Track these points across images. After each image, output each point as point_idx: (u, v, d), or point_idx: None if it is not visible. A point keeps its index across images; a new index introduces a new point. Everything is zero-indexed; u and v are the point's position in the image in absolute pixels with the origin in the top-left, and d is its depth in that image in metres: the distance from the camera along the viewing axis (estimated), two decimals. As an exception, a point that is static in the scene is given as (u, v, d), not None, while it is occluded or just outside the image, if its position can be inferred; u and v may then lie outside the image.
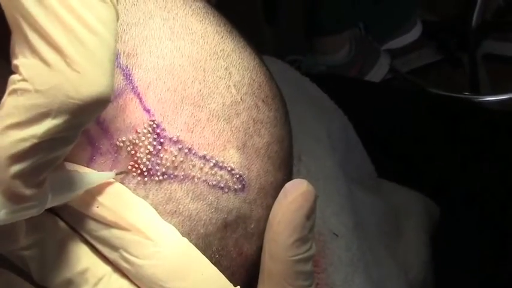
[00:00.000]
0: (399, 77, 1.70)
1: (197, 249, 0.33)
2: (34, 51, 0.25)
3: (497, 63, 1.74)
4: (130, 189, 0.32)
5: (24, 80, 0.25)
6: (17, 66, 0.26)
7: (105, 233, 0.31)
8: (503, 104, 1.59)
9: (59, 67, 0.25)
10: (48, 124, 0.25)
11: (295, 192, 0.36)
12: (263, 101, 0.37)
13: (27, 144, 0.25)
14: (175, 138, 0.33)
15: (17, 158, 0.25)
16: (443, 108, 0.89)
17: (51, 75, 0.25)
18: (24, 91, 0.25)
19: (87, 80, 0.25)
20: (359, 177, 0.64)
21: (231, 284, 0.33)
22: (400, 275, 0.61)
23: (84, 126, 0.27)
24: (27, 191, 0.26)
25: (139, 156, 0.32)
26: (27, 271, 0.31)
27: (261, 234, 0.37)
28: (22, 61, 0.26)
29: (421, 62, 1.77)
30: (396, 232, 0.66)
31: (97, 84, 0.26)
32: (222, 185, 0.35)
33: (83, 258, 0.31)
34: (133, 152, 0.32)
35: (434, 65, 1.77)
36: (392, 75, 1.68)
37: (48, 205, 0.28)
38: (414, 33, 1.74)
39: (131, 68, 0.33)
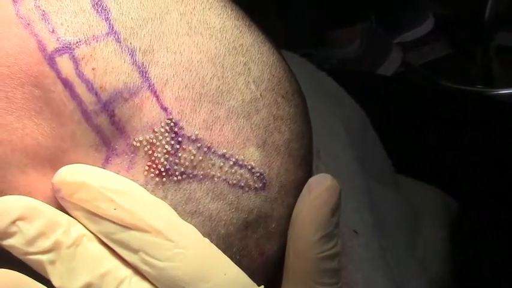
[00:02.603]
0: (411, 70, 1.69)
1: (218, 249, 0.32)
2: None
3: (510, 56, 1.72)
4: (148, 190, 0.31)
5: None
6: None
7: (124, 235, 0.30)
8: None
9: None
10: None
11: (319, 188, 0.35)
12: (283, 96, 0.36)
13: None
14: (193, 137, 0.32)
15: None
16: (456, 102, 0.88)
17: None
18: None
19: None
20: (377, 173, 0.63)
21: (255, 284, 0.33)
22: (420, 274, 0.59)
23: None
24: None
25: (157, 156, 0.31)
26: (45, 275, 0.30)
27: (282, 234, 0.36)
28: None
29: (433, 55, 1.75)
30: (414, 229, 0.65)
31: None
32: (242, 184, 0.34)
33: (103, 261, 0.30)
34: (150, 152, 0.31)
35: (447, 58, 1.76)
36: (404, 68, 1.67)
37: None
38: (426, 26, 1.73)
39: (147, 65, 0.32)
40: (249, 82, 0.34)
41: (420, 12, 1.72)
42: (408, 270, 0.58)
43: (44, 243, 0.29)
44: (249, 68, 0.35)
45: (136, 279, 0.31)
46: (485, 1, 1.68)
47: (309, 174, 0.39)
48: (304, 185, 0.37)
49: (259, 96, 0.35)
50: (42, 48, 0.30)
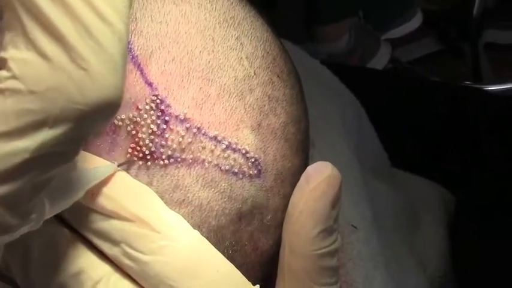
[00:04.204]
0: (400, 66, 1.67)
1: (209, 243, 0.28)
2: (30, 41, 0.20)
3: (499, 52, 1.71)
4: (131, 175, 0.28)
5: (14, 77, 0.20)
6: (4, 60, 0.20)
7: (104, 225, 0.27)
8: (506, 93, 1.56)
9: (61, 63, 0.20)
10: (44, 135, 0.20)
11: (319, 178, 0.32)
12: (278, 76, 0.34)
13: (17, 160, 0.20)
14: (182, 116, 0.29)
15: (2, 177, 0.20)
16: (447, 96, 0.86)
17: (51, 72, 0.20)
18: (14, 92, 0.20)
19: (95, 80, 0.20)
20: (373, 166, 0.60)
21: (249, 282, 0.29)
22: (419, 270, 0.57)
23: (87, 138, 0.22)
24: (13, 221, 0.22)
25: (141, 137, 0.28)
26: (9, 276, 0.26)
27: (277, 227, 0.33)
28: (13, 53, 0.20)
29: (422, 51, 1.74)
30: (413, 225, 0.62)
31: (107, 85, 0.21)
32: (235, 170, 0.30)
33: (77, 258, 0.27)
34: (134, 132, 0.28)
35: (436, 55, 1.74)
36: (393, 65, 1.65)
37: (46, 217, 0.24)
38: (414, 23, 1.71)
39: (130, 34, 0.29)
40: (241, 58, 0.32)
41: (408, 8, 1.70)
42: (407, 267, 0.55)
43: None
44: (241, 43, 0.32)
45: (116, 278, 0.27)
46: (474, -2, 1.67)
47: (306, 161, 0.37)
48: (301, 173, 0.33)
49: (253, 73, 0.32)
50: None
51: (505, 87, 1.57)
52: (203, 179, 0.30)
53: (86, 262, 0.27)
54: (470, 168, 0.75)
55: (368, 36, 1.62)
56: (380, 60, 1.60)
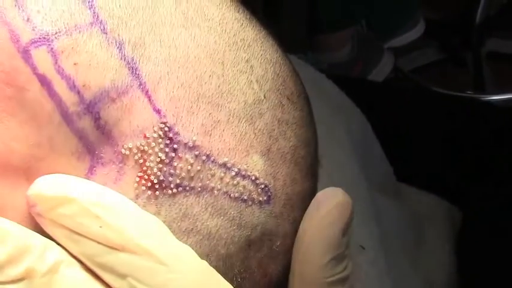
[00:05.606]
0: (402, 75, 1.67)
1: (218, 274, 0.28)
2: None
3: (501, 62, 1.71)
4: (139, 205, 0.27)
5: None
6: None
7: (110, 258, 0.26)
8: (508, 103, 1.56)
9: None
10: None
11: (329, 204, 0.32)
12: (288, 98, 0.33)
13: None
14: (190, 144, 0.28)
15: None
16: (448, 108, 0.85)
17: None
18: None
19: None
20: (379, 182, 0.59)
21: None
22: (426, 290, 0.56)
23: None
24: None
25: (149, 166, 0.28)
26: None
27: (287, 253, 0.33)
28: None
29: (424, 60, 1.74)
30: (418, 241, 0.62)
31: None
32: (245, 197, 0.30)
33: None
34: (141, 160, 0.28)
35: (438, 64, 1.75)
36: (394, 74, 1.65)
37: None
38: (417, 32, 1.71)
39: (138, 60, 0.28)
40: (251, 81, 0.31)
41: (410, 18, 1.70)
42: (414, 286, 0.54)
43: (14, 271, 0.25)
44: (251, 66, 0.31)
45: None
46: (476, 7, 1.67)
47: (315, 185, 0.36)
48: (310, 198, 0.33)
49: (262, 97, 0.31)
50: (15, 39, 0.26)
51: (508, 97, 1.57)
52: (212, 207, 0.29)
53: None
54: (473, 180, 0.74)
55: (371, 44, 1.62)
56: (383, 69, 1.59)
